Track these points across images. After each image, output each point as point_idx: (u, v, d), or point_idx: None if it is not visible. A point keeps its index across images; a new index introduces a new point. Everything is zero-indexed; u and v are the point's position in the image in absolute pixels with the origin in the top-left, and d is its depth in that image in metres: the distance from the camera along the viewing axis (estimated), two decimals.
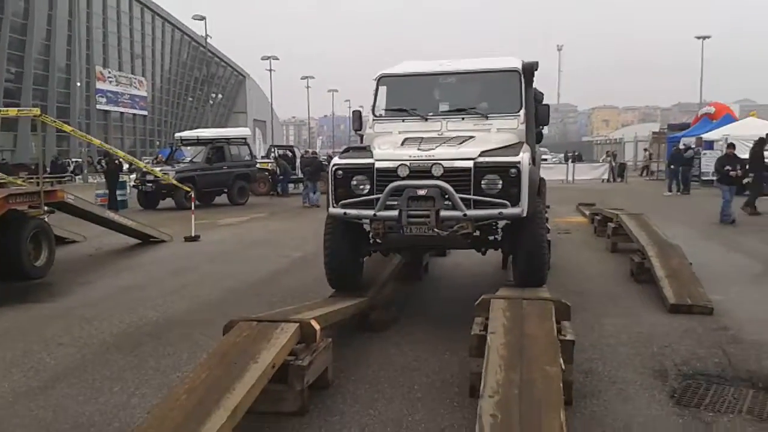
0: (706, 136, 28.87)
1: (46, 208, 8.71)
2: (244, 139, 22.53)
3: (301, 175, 22.59)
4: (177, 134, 23.70)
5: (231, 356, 3.80)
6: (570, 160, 38.37)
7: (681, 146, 26.11)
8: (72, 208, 9.76)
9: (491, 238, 6.10)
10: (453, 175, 5.37)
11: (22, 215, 8.22)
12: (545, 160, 42.79)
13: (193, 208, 13.42)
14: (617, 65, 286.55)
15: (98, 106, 57.32)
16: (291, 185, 24.84)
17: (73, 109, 50.21)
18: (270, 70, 61.55)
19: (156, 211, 18.89)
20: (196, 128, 40.54)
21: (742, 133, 27.44)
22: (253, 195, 22.34)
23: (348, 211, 5.64)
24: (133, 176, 21.71)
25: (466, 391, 4.10)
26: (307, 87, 74.48)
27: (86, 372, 4.88)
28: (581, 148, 60.24)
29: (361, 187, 5.61)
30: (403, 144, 5.82)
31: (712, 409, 4.05)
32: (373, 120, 6.69)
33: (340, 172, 5.71)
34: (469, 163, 5.38)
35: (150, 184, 19.30)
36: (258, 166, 23.52)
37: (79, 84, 48.97)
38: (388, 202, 5.40)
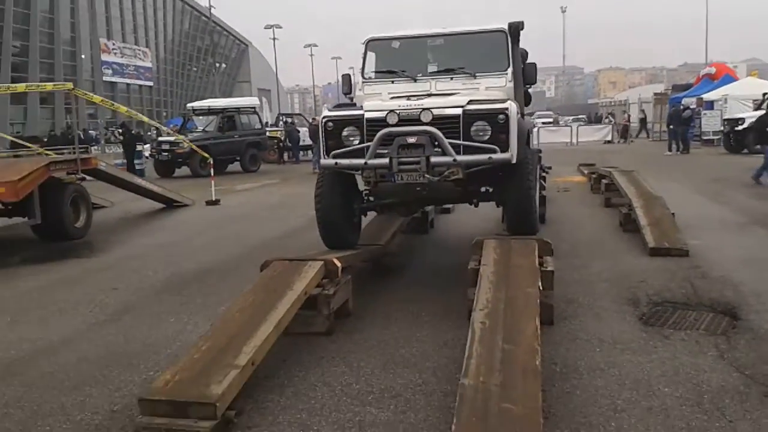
0: (707, 97, 29.35)
1: (81, 174, 9.49)
2: (254, 108, 23.23)
3: (310, 142, 23.34)
4: (189, 105, 24.45)
5: (271, 285, 4.63)
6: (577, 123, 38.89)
7: (680, 107, 26.58)
8: (104, 175, 10.60)
9: (482, 189, 6.26)
10: (442, 121, 5.48)
11: (61, 181, 9.02)
12: (550, 122, 43.31)
13: (212, 173, 14.21)
14: (624, 25, 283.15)
15: (104, 78, 57.82)
16: (301, 152, 25.66)
17: (80, 81, 50.71)
18: (273, 38, 61.85)
19: (172, 178, 19.70)
20: (201, 98, 41.19)
21: (742, 93, 28.00)
22: (264, 163, 23.13)
23: (339, 161, 5.73)
24: (148, 146, 22.52)
25: (465, 315, 4.89)
26: (311, 55, 74.90)
27: (144, 309, 5.73)
28: (587, 109, 60.53)
29: (352, 138, 5.71)
30: (392, 100, 5.93)
31: (673, 327, 4.82)
32: (363, 82, 6.76)
33: (330, 124, 5.80)
34: (458, 110, 5.51)
35: (166, 153, 20.13)
36: (267, 134, 24.28)
37: (83, 56, 49.42)
38: (379, 151, 5.51)
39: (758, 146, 11.14)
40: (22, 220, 9.06)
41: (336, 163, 5.76)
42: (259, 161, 22.16)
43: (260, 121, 23.23)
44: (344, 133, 5.74)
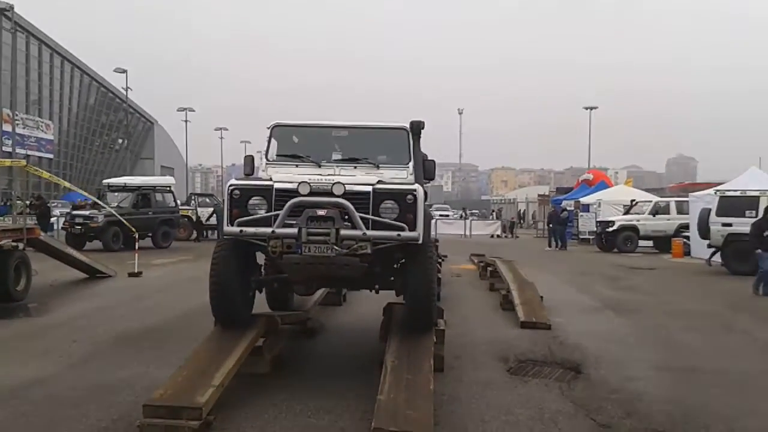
0: (584, 200, 32.78)
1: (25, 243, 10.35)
2: (169, 186, 24.18)
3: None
4: (105, 181, 25.05)
5: (227, 333, 5.93)
6: (467, 217, 41.85)
7: (558, 208, 29.65)
8: (41, 244, 11.42)
9: (385, 275, 6.37)
10: (353, 196, 5.56)
11: (9, 248, 9.86)
12: (447, 215, 46.20)
13: (137, 247, 15.11)
14: (517, 128, 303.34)
15: (4, 148, 56.54)
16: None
17: None
18: (186, 120, 62.89)
19: (84, 252, 20.12)
20: (102, 173, 41.25)
21: (614, 198, 31.59)
22: (174, 240, 23.91)
23: (245, 229, 5.59)
24: (62, 219, 22.89)
25: (376, 361, 6.32)
26: (221, 138, 75.97)
27: (106, 356, 6.80)
28: (481, 205, 64.80)
29: (258, 207, 5.67)
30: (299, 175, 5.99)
31: (531, 376, 6.44)
32: (266, 164, 6.76)
33: (237, 192, 5.72)
34: (369, 188, 5.64)
35: (79, 227, 20.63)
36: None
37: None
38: (287, 221, 5.47)
39: (757, 251, 12.43)
40: None
41: (241, 231, 5.60)
42: (171, 238, 22.94)
43: (174, 199, 24.14)
44: (251, 202, 5.68)
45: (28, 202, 23.30)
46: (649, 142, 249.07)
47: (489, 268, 13.38)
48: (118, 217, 17.16)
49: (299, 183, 5.59)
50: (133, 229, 15.64)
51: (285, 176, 5.93)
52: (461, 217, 43.53)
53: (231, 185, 5.80)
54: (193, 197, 29.63)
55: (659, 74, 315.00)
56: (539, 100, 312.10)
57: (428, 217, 6.55)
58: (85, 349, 7.08)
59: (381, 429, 4.42)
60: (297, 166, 6.62)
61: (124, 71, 44.92)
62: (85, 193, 18.70)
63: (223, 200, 5.91)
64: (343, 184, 5.59)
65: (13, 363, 6.44)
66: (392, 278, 6.45)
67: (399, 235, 5.57)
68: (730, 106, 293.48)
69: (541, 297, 10.37)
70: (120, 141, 74.35)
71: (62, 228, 21.44)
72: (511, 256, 17.76)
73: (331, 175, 6.23)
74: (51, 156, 64.95)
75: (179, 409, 4.52)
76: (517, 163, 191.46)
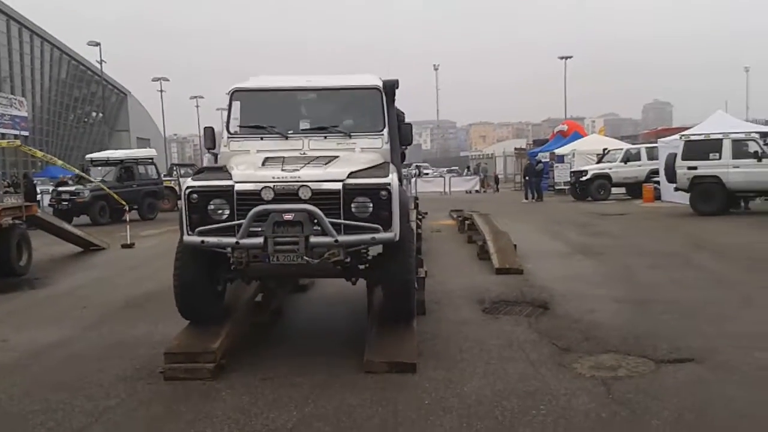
0: (558, 151, 33.58)
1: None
2: (151, 159, 24.56)
3: None
4: (87, 156, 25.35)
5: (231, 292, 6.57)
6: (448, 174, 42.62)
7: (533, 161, 30.41)
8: (38, 220, 11.94)
9: (361, 266, 5.85)
10: (321, 197, 5.12)
11: (9, 225, 10.39)
12: (426, 173, 46.90)
13: (127, 219, 15.66)
14: (494, 82, 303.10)
15: None
16: None
17: None
18: (161, 90, 62.55)
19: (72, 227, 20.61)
20: (78, 148, 41.22)
21: (588, 148, 32.41)
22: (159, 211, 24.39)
23: (206, 239, 5.17)
24: (45, 196, 23.25)
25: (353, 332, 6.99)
26: (197, 107, 75.53)
27: (116, 319, 7.41)
28: (459, 162, 65.54)
29: (220, 211, 5.19)
30: (264, 164, 5.50)
31: (503, 314, 7.17)
32: (228, 138, 6.25)
33: (195, 195, 5.21)
34: (338, 185, 5.15)
35: (66, 203, 21.05)
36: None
37: None
38: (252, 229, 5.05)
39: None
40: None
41: (203, 242, 5.18)
42: (156, 209, 23.42)
43: (157, 171, 24.54)
44: (211, 206, 5.21)
45: (9, 181, 23.64)
46: (625, 88, 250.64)
47: (467, 222, 14.11)
48: (108, 191, 17.58)
49: (262, 187, 5.10)
50: (123, 202, 16.11)
51: (247, 171, 5.34)
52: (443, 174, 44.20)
53: (188, 188, 5.25)
54: (174, 168, 30.03)
55: (638, 20, 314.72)
56: (515, 51, 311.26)
57: (406, 205, 5.99)
58: (96, 314, 7.68)
59: (371, 361, 5.14)
60: (261, 138, 6.17)
61: (98, 44, 44.59)
62: (75, 170, 19.06)
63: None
64: (310, 188, 5.11)
65: (31, 329, 7.04)
66: (367, 268, 5.89)
67: (373, 238, 5.19)
68: (705, 50, 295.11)
69: (515, 245, 11.10)
70: (94, 114, 73.90)
71: (49, 204, 21.82)
72: (489, 210, 18.49)
73: (297, 156, 5.76)
74: (27, 133, 64.19)
75: (196, 354, 5.19)
76: (495, 117, 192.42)
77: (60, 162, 14.70)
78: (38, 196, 21.98)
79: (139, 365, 5.53)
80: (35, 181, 21.83)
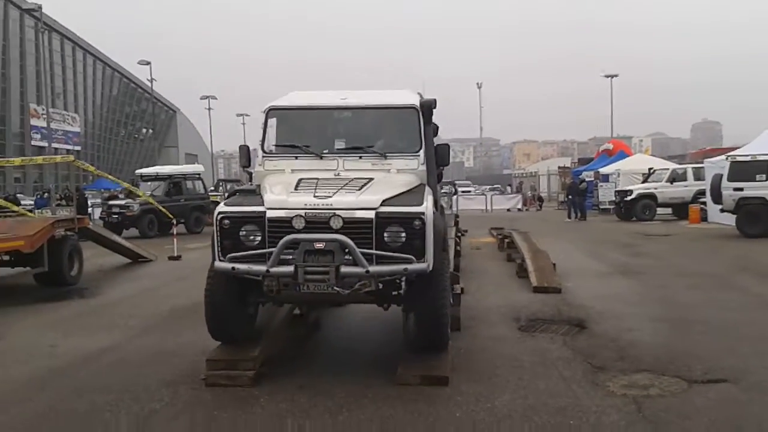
0: (603, 170, 33.23)
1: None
2: (199, 174, 25.21)
3: None
4: (137, 171, 26.17)
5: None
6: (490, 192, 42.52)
7: (576, 179, 30.16)
8: (89, 232, 12.42)
9: (394, 293, 5.58)
10: (353, 227, 5.07)
11: (63, 236, 10.85)
12: (468, 191, 46.85)
13: (174, 233, 16.12)
14: (539, 99, 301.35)
15: (33, 143, 58.24)
16: None
17: (9, 146, 51.44)
18: (209, 108, 63.89)
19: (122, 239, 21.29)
20: (129, 163, 42.42)
21: (632, 168, 32.01)
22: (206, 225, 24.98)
23: (237, 266, 5.16)
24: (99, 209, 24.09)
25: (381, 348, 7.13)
26: (243, 124, 76.94)
27: (162, 328, 7.71)
28: (502, 179, 65.39)
29: (251, 238, 5.19)
30: (297, 188, 5.47)
31: (540, 332, 7.21)
32: (263, 157, 6.25)
33: (226, 221, 5.23)
34: (371, 214, 5.08)
35: (116, 216, 21.75)
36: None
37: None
38: (283, 256, 5.02)
39: None
40: (23, 270, 10.80)
41: (233, 269, 5.17)
42: (203, 223, 23.95)
43: (204, 186, 25.16)
44: (242, 232, 5.22)
45: (62, 194, 24.59)
46: (673, 107, 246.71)
47: (506, 240, 14.14)
48: (156, 205, 18.13)
49: (294, 216, 5.09)
50: (170, 216, 16.59)
51: (279, 197, 5.33)
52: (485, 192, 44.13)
53: (220, 213, 5.29)
54: (221, 183, 30.72)
55: (682, 37, 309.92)
56: (561, 68, 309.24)
57: (441, 232, 5.78)
58: (143, 323, 7.99)
59: (404, 374, 5.27)
60: (296, 158, 6.15)
61: (148, 63, 46.01)
62: (124, 183, 19.74)
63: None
64: (342, 217, 5.07)
65: (81, 336, 7.37)
66: (398, 294, 5.61)
67: (406, 269, 5.08)
68: (755, 67, 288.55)
69: (554, 264, 11.10)
70: (144, 130, 76.11)
71: (100, 217, 22.56)
72: (530, 228, 18.49)
73: (331, 178, 5.73)
74: (78, 148, 66.61)
75: (236, 362, 5.40)
76: (540, 135, 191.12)
77: (112, 177, 15.27)
78: (89, 209, 22.78)
79: (182, 371, 5.76)
80: (86, 195, 22.55)
